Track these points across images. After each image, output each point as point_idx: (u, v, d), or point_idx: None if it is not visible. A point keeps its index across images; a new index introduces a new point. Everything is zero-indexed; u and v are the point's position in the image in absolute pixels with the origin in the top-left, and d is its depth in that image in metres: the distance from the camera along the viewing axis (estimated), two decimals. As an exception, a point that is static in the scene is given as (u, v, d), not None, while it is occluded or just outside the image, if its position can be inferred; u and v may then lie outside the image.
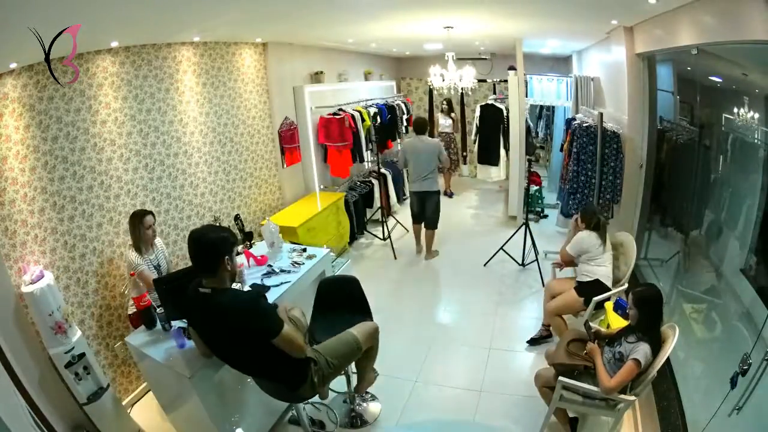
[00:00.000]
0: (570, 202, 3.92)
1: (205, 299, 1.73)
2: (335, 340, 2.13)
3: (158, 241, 2.88)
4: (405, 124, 6.57)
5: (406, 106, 6.65)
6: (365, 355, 2.23)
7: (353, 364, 2.35)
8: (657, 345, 2.05)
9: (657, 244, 3.95)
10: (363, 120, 5.21)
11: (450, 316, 3.85)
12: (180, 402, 2.33)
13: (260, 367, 1.93)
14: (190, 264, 1.87)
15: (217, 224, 3.71)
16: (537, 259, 4.22)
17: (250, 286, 2.51)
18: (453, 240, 5.35)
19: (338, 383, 2.61)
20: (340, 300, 2.56)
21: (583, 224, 3.01)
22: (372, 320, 2.50)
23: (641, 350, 2.00)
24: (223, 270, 1.76)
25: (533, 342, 3.24)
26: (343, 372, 2.32)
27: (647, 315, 2.06)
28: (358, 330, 2.19)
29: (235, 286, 2.59)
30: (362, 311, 2.53)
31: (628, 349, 2.07)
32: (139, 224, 2.69)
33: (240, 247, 3.46)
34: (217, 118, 3.80)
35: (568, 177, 3.89)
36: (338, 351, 2.08)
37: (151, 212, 2.78)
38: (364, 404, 2.73)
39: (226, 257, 1.75)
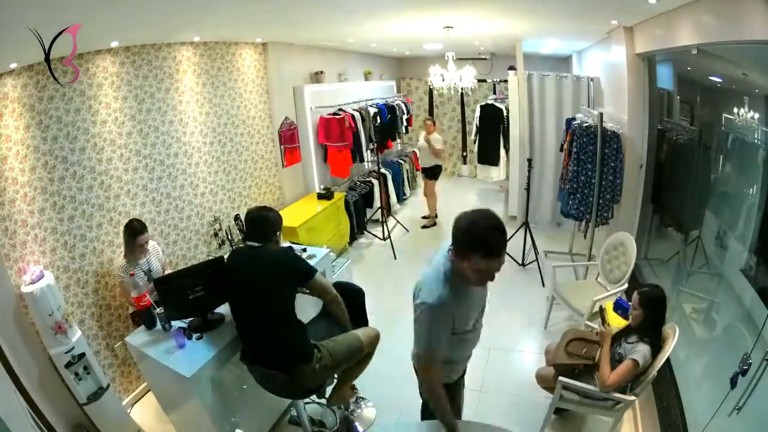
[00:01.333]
0: (570, 202, 3.92)
1: (256, 250, 2.08)
2: (340, 337, 2.16)
3: (151, 243, 2.84)
4: (405, 124, 6.57)
5: (406, 106, 6.65)
6: (357, 362, 2.22)
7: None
8: (657, 346, 2.05)
9: (657, 245, 3.95)
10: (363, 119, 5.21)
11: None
12: (180, 402, 2.33)
13: (273, 336, 2.01)
14: (190, 264, 1.90)
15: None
16: (537, 259, 4.22)
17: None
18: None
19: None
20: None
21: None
22: None
23: (640, 351, 2.00)
24: (275, 242, 2.16)
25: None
26: (336, 376, 2.31)
27: (652, 316, 2.05)
28: (362, 332, 2.23)
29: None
30: (359, 324, 2.51)
31: (627, 349, 2.07)
32: (132, 240, 2.66)
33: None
34: (217, 118, 3.80)
35: (568, 177, 3.88)
36: (341, 346, 2.12)
37: (145, 230, 2.72)
38: (359, 410, 2.72)
39: (278, 233, 2.17)
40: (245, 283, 2.07)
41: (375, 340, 2.28)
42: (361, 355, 2.19)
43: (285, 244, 3.22)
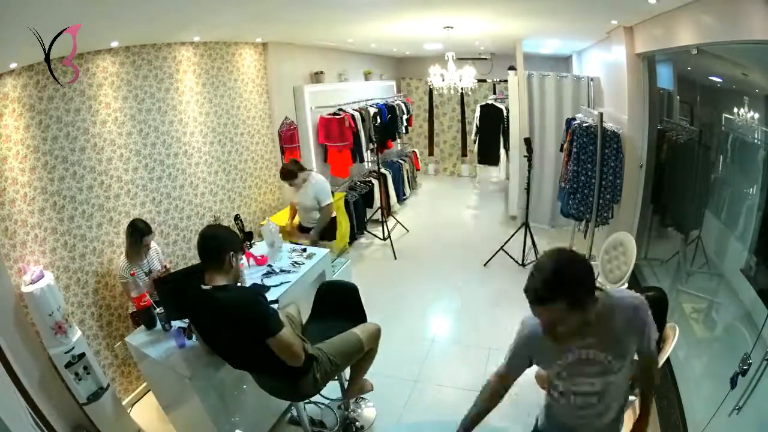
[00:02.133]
0: (570, 202, 3.92)
1: (206, 295, 1.77)
2: (338, 338, 2.13)
3: (152, 244, 2.82)
4: (405, 124, 6.57)
5: (406, 106, 6.65)
6: (363, 357, 2.22)
7: (347, 370, 2.33)
8: (658, 347, 2.04)
9: (657, 244, 3.95)
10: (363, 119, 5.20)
11: (450, 315, 3.85)
12: (180, 402, 2.33)
13: (261, 365, 1.92)
14: (190, 264, 1.88)
15: (218, 223, 3.71)
16: (537, 259, 4.21)
17: (250, 286, 2.51)
18: (453, 240, 5.35)
19: (332, 389, 2.54)
20: (338, 306, 2.54)
21: None
22: None
23: None
24: (228, 265, 1.81)
25: None
26: (336, 377, 2.30)
27: (655, 319, 2.04)
28: (361, 330, 2.20)
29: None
30: (357, 318, 2.51)
31: None
32: (139, 240, 2.63)
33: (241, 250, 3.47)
34: (217, 118, 3.80)
35: (568, 177, 3.88)
36: (341, 349, 2.09)
37: (151, 230, 2.70)
38: (359, 410, 2.71)
39: (231, 253, 1.81)
40: (207, 338, 1.95)
41: (376, 334, 2.26)
42: (361, 354, 2.18)
43: (285, 243, 3.23)
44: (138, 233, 2.64)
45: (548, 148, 5.11)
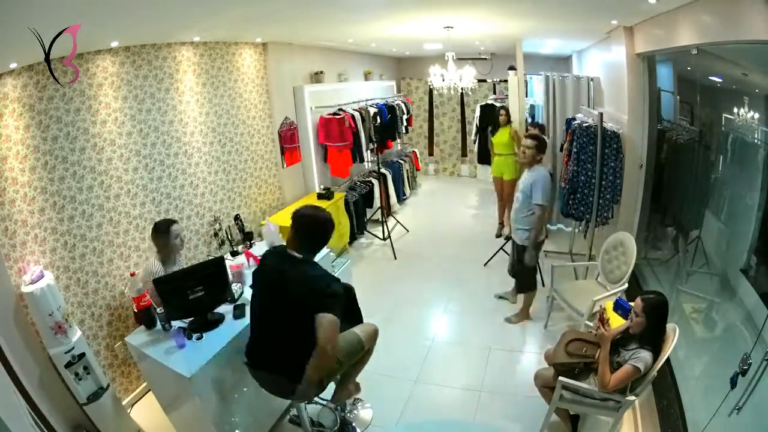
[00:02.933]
0: (570, 202, 3.92)
1: (296, 261, 1.89)
2: (339, 337, 2.13)
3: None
4: (405, 124, 6.57)
5: (406, 106, 6.66)
6: (359, 358, 2.22)
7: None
8: (658, 352, 2.03)
9: (657, 244, 3.95)
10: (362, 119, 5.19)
11: (450, 315, 3.85)
12: (180, 402, 2.33)
13: (283, 344, 1.93)
14: (190, 264, 1.89)
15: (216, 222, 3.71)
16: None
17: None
18: (453, 240, 5.35)
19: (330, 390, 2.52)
20: None
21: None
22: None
23: (642, 358, 1.98)
24: (316, 249, 1.96)
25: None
26: (336, 378, 2.30)
27: (655, 324, 2.02)
28: (360, 330, 2.22)
29: (234, 287, 2.61)
30: (355, 321, 2.50)
31: (626, 357, 2.05)
32: (166, 234, 2.54)
33: (240, 247, 3.47)
34: (217, 118, 3.80)
35: (568, 177, 3.89)
36: (342, 348, 2.09)
37: (176, 221, 2.65)
38: (356, 411, 2.71)
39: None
40: (267, 301, 1.98)
41: (374, 335, 2.27)
42: (362, 354, 2.19)
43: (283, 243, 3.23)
44: (164, 226, 2.55)
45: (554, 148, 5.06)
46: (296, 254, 1.90)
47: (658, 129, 3.68)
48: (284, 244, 2.03)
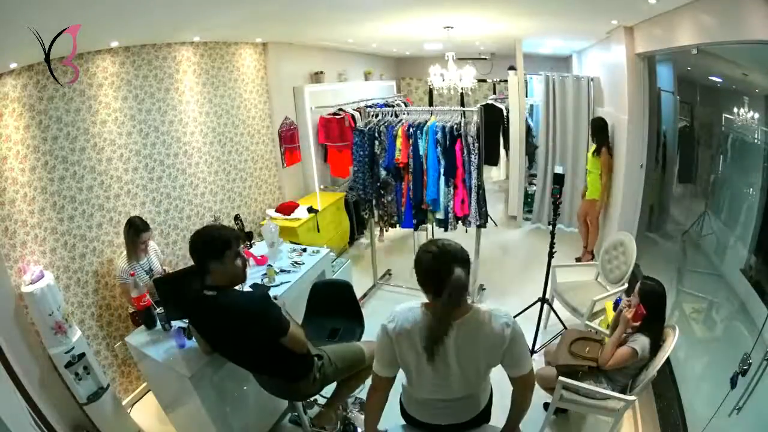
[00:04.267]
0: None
1: (210, 301, 1.71)
2: (342, 345, 2.14)
3: (150, 243, 2.82)
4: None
5: (406, 106, 6.65)
6: (349, 379, 2.19)
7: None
8: (657, 341, 2.06)
9: (657, 243, 3.95)
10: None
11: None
12: (180, 402, 2.33)
13: (264, 364, 1.92)
14: (190, 264, 1.87)
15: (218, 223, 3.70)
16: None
17: (251, 287, 2.51)
18: (453, 239, 5.33)
19: (331, 390, 2.51)
20: (333, 305, 2.54)
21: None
22: (364, 326, 2.52)
23: (639, 341, 2.03)
24: (228, 264, 1.73)
25: None
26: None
27: (650, 309, 2.06)
28: (365, 344, 2.21)
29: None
30: (354, 316, 2.51)
31: (626, 341, 2.09)
32: (136, 237, 2.64)
33: (240, 248, 3.47)
34: (217, 118, 3.80)
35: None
36: (344, 355, 2.09)
37: (148, 227, 2.70)
38: (356, 411, 2.71)
39: (227, 251, 1.73)
40: (210, 339, 1.92)
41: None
42: (362, 367, 2.17)
43: (285, 243, 3.23)
44: (134, 230, 2.64)
45: (568, 147, 5.05)
46: (209, 292, 1.72)
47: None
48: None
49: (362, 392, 2.48)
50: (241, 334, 1.75)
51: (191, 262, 1.81)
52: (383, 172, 3.66)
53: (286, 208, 4.29)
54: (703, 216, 3.13)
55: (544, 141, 5.16)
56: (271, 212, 4.28)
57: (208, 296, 1.72)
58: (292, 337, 1.77)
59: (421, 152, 3.48)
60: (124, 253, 2.71)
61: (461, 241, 1.59)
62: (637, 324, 2.10)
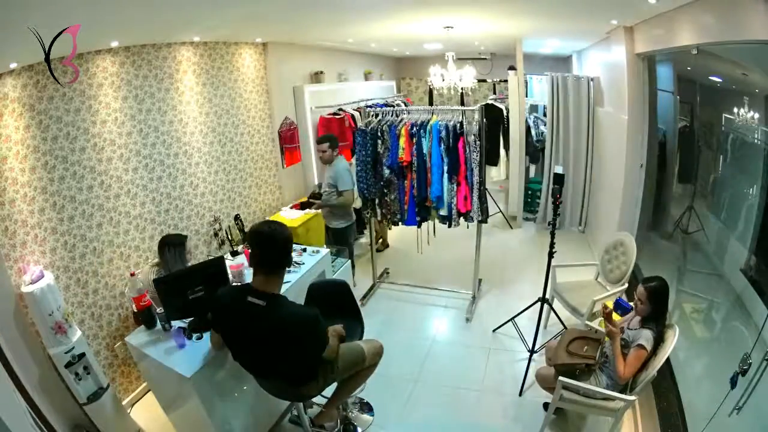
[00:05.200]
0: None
1: (260, 310, 1.65)
2: (344, 346, 2.13)
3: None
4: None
5: (406, 106, 6.65)
6: (349, 378, 2.19)
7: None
8: (660, 334, 2.08)
9: (657, 243, 3.95)
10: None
11: (450, 315, 3.85)
12: (180, 402, 2.33)
13: (282, 371, 1.90)
14: (189, 264, 1.87)
15: (216, 224, 3.70)
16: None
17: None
18: (453, 239, 5.33)
19: (331, 390, 2.52)
20: (331, 305, 2.54)
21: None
22: (364, 325, 2.52)
23: (644, 336, 2.05)
24: (284, 272, 1.74)
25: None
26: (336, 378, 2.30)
27: (658, 307, 2.10)
28: (366, 344, 2.22)
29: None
30: (353, 315, 2.50)
31: (631, 335, 2.12)
32: (182, 250, 2.63)
33: (240, 247, 3.47)
34: (217, 118, 3.80)
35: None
36: (344, 355, 2.09)
37: (186, 237, 2.73)
38: (356, 411, 2.71)
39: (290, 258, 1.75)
40: (237, 345, 1.86)
41: (379, 351, 2.27)
42: (362, 366, 2.17)
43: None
44: (178, 242, 2.65)
45: (570, 147, 5.05)
46: (257, 300, 1.66)
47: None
48: (248, 282, 1.79)
49: (362, 392, 2.48)
50: (287, 346, 1.71)
51: (191, 262, 1.81)
52: (387, 171, 3.67)
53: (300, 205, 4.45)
54: (687, 211, 3.13)
55: (549, 141, 5.16)
56: (287, 210, 4.39)
57: (257, 305, 1.65)
58: (332, 349, 1.86)
59: (424, 150, 3.50)
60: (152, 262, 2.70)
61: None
62: (640, 318, 2.13)
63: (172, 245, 2.65)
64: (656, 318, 2.11)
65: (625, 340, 2.14)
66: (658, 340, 2.08)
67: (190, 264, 2.70)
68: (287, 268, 1.74)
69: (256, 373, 2.01)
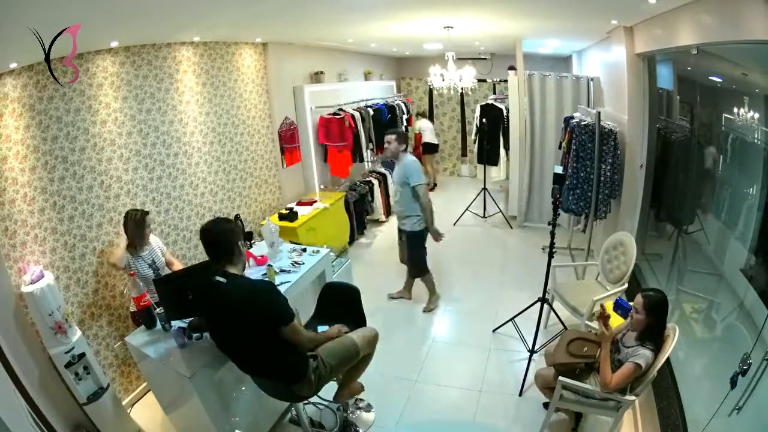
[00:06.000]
0: (570, 198, 3.92)
1: (221, 287, 1.80)
2: (334, 342, 2.13)
3: (153, 238, 2.81)
4: (405, 124, 6.57)
5: (406, 106, 6.65)
6: (351, 369, 2.21)
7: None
8: (659, 349, 2.03)
9: (657, 243, 3.95)
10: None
11: (450, 315, 3.85)
12: (180, 402, 2.33)
13: (263, 361, 1.92)
14: (189, 264, 1.89)
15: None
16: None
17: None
18: (453, 239, 5.34)
19: (331, 390, 2.51)
20: (339, 308, 2.53)
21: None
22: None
23: (643, 355, 1.98)
24: (238, 256, 1.88)
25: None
26: (335, 378, 2.29)
27: (656, 322, 2.02)
28: (357, 335, 2.20)
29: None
30: (358, 322, 2.49)
31: (627, 354, 2.05)
32: (142, 224, 2.63)
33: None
34: (217, 118, 3.80)
35: (568, 173, 3.90)
36: (336, 353, 2.09)
37: (148, 212, 2.71)
38: (358, 412, 2.71)
39: (239, 242, 1.90)
40: (216, 330, 1.96)
41: (373, 340, 2.26)
42: (357, 359, 2.17)
43: (285, 243, 3.23)
44: (139, 217, 2.63)
45: (549, 147, 5.11)
46: (220, 278, 1.82)
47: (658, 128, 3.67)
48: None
49: (362, 392, 2.48)
50: (246, 316, 1.80)
51: (191, 262, 1.83)
52: None
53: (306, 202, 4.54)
54: (687, 211, 3.13)
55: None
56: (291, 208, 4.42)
57: (219, 282, 1.80)
58: (294, 328, 1.87)
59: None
60: (122, 245, 2.70)
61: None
62: (636, 333, 2.07)
63: (132, 219, 2.64)
64: (654, 333, 2.03)
65: (620, 360, 2.06)
66: (656, 356, 2.01)
67: (149, 238, 2.75)
68: (240, 256, 1.91)
69: (240, 364, 2.01)
